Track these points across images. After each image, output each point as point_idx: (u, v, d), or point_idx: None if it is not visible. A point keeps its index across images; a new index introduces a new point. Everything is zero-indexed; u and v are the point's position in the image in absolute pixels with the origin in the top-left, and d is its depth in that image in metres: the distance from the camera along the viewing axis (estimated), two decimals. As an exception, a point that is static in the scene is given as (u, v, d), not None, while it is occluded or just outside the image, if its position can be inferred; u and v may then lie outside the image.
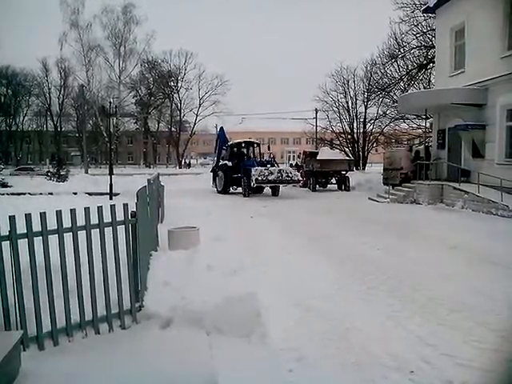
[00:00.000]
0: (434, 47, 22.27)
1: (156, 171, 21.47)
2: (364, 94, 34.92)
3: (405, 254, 8.08)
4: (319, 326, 4.66)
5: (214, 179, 23.75)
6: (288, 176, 20.08)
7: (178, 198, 16.05)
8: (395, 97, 27.74)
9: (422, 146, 20.68)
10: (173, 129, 66.09)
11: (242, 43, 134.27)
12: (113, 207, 4.44)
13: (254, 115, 67.73)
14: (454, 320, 4.84)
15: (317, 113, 42.67)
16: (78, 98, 57.17)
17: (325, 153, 26.01)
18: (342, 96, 36.33)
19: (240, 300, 4.59)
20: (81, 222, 4.28)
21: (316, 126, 43.14)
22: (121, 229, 4.60)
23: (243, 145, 23.44)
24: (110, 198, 16.60)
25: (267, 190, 22.40)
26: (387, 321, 4.83)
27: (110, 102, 26.25)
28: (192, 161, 70.59)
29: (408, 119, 28.80)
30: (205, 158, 79.13)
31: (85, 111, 49.71)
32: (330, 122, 37.02)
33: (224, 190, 22.32)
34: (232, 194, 22.31)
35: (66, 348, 4.11)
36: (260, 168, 19.97)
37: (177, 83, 64.96)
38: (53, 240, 4.11)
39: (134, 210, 4.73)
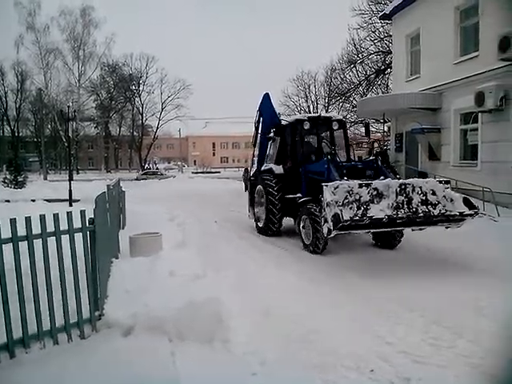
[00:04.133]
0: (391, 53, 22.88)
1: (118, 176, 21.08)
2: (325, 98, 35.47)
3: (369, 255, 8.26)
4: (282, 329, 4.70)
5: (252, 201, 11.73)
6: (433, 205, 7.25)
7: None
8: (355, 101, 28.33)
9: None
10: (135, 133, 65.20)
11: (205, 48, 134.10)
12: (69, 214, 4.36)
13: (218, 119, 67.83)
14: (410, 319, 4.99)
15: (280, 117, 42.95)
16: (35, 102, 55.61)
17: None
18: (303, 100, 36.79)
19: (202, 306, 4.58)
20: (37, 229, 4.19)
21: (279, 129, 43.36)
22: (80, 236, 4.53)
23: (306, 126, 10.30)
24: (70, 205, 16.26)
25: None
26: (348, 322, 4.93)
27: (69, 106, 25.62)
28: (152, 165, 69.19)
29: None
30: (168, 163, 78.47)
31: (43, 116, 48.40)
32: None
33: (270, 228, 10.47)
34: (290, 234, 10.36)
35: (22, 360, 4.00)
36: (347, 183, 7.18)
37: (138, 87, 64.22)
38: (6, 249, 4.00)
39: (92, 216, 4.66)
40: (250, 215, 11.93)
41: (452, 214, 7.23)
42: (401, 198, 7.08)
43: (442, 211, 7.18)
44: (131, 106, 64.16)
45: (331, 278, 6.82)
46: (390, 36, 22.97)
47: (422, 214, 7.05)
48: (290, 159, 10.61)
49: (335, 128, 10.68)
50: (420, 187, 7.25)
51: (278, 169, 10.68)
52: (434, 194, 7.31)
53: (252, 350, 4.18)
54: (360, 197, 6.93)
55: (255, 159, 12.62)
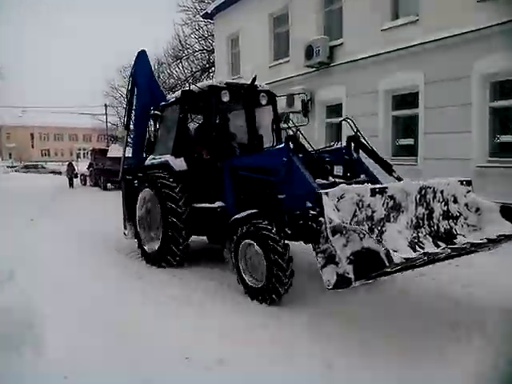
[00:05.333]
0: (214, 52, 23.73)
1: None
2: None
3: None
4: (99, 329, 4.62)
5: (130, 212, 8.01)
6: (454, 218, 5.01)
7: None
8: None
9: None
10: None
11: (22, 33, 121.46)
12: None
13: (37, 108, 61.84)
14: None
15: (106, 108, 41.39)
16: None
17: (115, 150, 25.94)
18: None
19: (8, 311, 4.34)
20: None
21: (106, 122, 41.88)
22: None
23: (225, 98, 6.73)
24: None
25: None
26: (159, 315, 5.03)
27: None
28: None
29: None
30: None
31: None
32: (120, 118, 36.26)
33: (165, 258, 6.89)
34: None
35: None
36: (355, 190, 4.26)
37: None
38: None
39: None
40: (128, 233, 8.15)
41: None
42: (421, 209, 4.73)
43: (493, 233, 4.68)
44: None
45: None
46: (213, 35, 23.79)
47: (484, 240, 4.54)
48: (201, 148, 7.06)
49: (263, 103, 7.46)
50: (441, 192, 4.94)
51: (179, 163, 7.05)
52: (455, 201, 5.07)
53: (66, 354, 4.04)
54: (373, 212, 4.35)
55: (130, 148, 9.02)
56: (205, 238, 7.44)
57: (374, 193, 4.33)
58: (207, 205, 6.58)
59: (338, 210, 4.07)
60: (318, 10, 13.90)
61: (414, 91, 11.05)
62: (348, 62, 12.66)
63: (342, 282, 3.71)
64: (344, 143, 6.17)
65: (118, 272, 6.89)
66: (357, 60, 12.31)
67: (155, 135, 8.22)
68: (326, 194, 4.10)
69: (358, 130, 5.99)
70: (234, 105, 7.54)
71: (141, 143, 8.59)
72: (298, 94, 12.62)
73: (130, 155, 8.87)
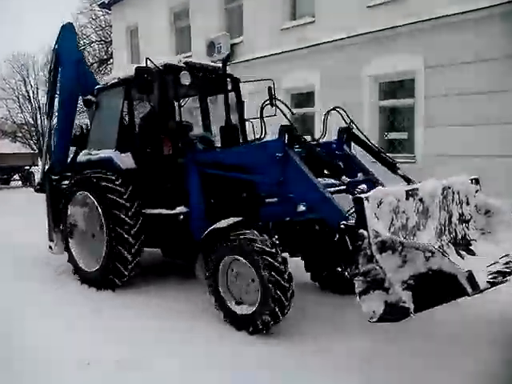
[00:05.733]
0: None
1: None
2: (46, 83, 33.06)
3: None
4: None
5: (57, 220, 6.55)
6: (467, 222, 4.37)
7: None
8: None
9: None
10: None
11: None
12: None
13: None
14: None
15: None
16: None
17: (5, 146, 24.97)
18: (21, 83, 33.35)
19: None
20: None
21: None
22: None
23: (185, 80, 5.30)
24: None
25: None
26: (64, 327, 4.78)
27: None
28: None
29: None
30: None
31: None
32: (9, 111, 33.66)
33: (111, 280, 5.56)
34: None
35: None
36: (392, 193, 3.57)
37: None
38: None
39: None
40: (55, 247, 6.74)
41: None
42: (443, 213, 4.11)
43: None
44: None
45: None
46: (111, 26, 22.96)
47: None
48: (162, 141, 5.61)
49: (228, 89, 6.39)
50: (458, 193, 4.32)
51: (126, 160, 5.76)
52: (467, 202, 4.47)
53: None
54: (407, 218, 3.70)
55: (54, 141, 7.57)
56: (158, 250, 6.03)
57: (407, 196, 3.66)
58: (164, 211, 5.38)
59: (378, 218, 3.30)
60: (219, 7, 13.95)
61: (311, 90, 11.54)
62: (248, 60, 12.85)
63: (394, 313, 2.94)
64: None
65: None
66: (257, 58, 12.53)
67: (88, 125, 6.85)
68: (367, 198, 3.28)
69: (351, 121, 5.11)
70: (195, 89, 6.37)
71: (67, 136, 7.29)
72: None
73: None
